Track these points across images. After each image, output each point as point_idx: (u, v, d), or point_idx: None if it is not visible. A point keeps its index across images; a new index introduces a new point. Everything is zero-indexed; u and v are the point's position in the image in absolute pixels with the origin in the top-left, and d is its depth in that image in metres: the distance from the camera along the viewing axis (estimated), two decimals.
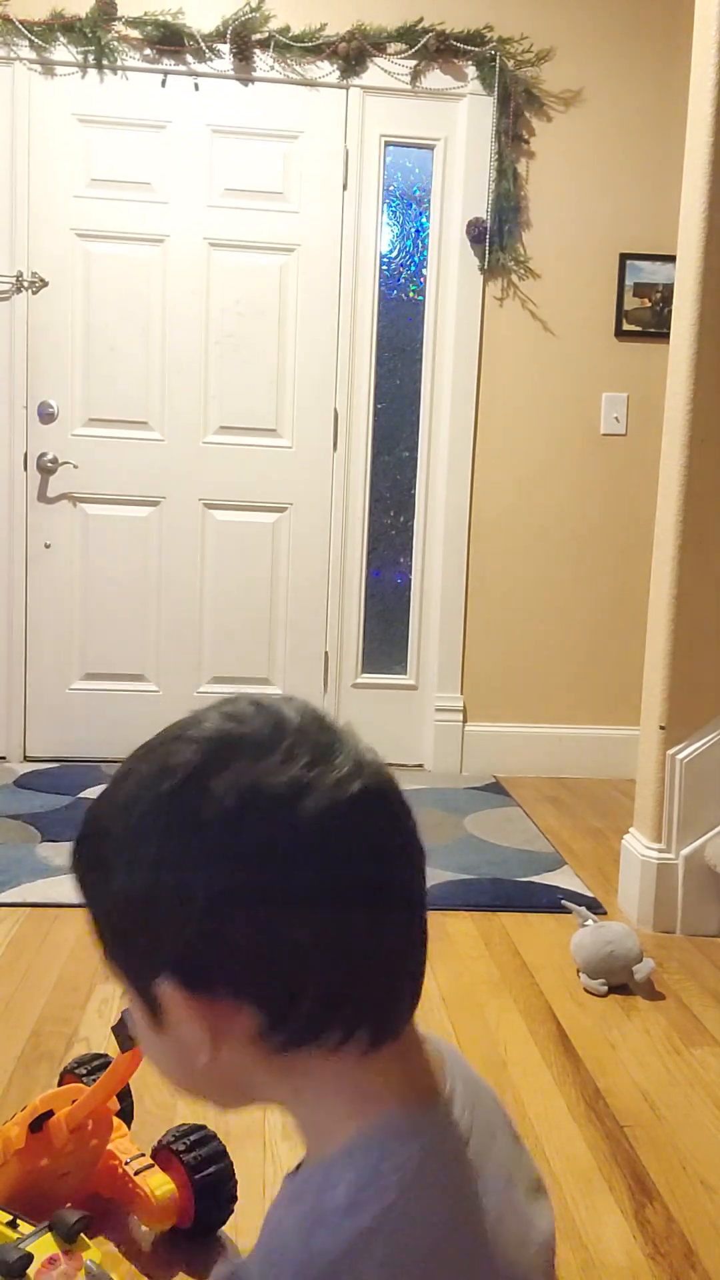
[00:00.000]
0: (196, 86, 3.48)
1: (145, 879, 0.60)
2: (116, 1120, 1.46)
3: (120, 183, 3.50)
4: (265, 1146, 1.61)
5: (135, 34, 3.40)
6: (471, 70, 3.52)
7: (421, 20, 3.47)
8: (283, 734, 0.60)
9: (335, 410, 3.65)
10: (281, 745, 0.60)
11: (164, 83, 3.47)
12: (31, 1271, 1.21)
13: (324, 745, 0.61)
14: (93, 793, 2.47)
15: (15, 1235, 1.26)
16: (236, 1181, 1.43)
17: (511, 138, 3.55)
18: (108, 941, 0.64)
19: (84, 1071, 1.56)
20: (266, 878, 0.58)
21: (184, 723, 0.63)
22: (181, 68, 3.46)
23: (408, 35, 3.47)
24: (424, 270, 3.66)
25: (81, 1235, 1.25)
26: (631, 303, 3.66)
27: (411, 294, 3.68)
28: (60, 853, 2.77)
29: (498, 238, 3.57)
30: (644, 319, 3.67)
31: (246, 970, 0.59)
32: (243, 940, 0.58)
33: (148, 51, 3.43)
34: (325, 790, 0.59)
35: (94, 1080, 1.45)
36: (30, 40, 3.37)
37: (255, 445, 3.64)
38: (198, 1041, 0.61)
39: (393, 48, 3.49)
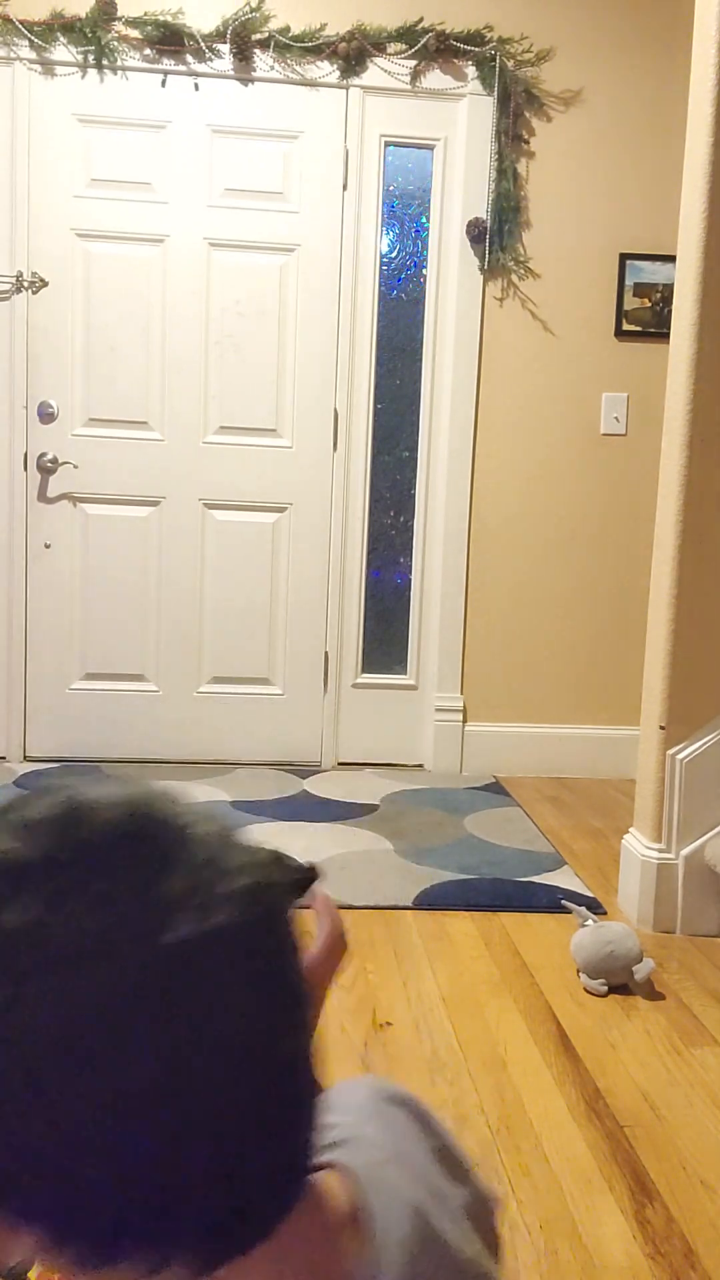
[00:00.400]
0: (196, 86, 3.48)
1: None
2: None
3: (120, 183, 3.50)
4: None
5: (135, 34, 3.40)
6: (471, 70, 3.52)
7: (421, 20, 3.47)
8: (73, 859, 0.45)
9: (335, 410, 3.65)
10: (61, 876, 0.44)
11: (164, 83, 3.47)
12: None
13: (140, 874, 0.45)
14: None
15: None
16: None
17: (511, 138, 3.55)
18: None
19: None
20: (15, 1067, 0.43)
21: None
22: (181, 68, 3.46)
23: (408, 35, 3.47)
24: (424, 270, 3.66)
25: None
26: (631, 303, 3.66)
27: (411, 294, 3.68)
28: None
29: (498, 238, 3.57)
30: (644, 319, 3.67)
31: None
32: None
33: (148, 51, 3.43)
34: (122, 946, 0.43)
35: None
36: (30, 40, 3.37)
37: (255, 445, 3.64)
38: None
39: (393, 48, 3.49)
